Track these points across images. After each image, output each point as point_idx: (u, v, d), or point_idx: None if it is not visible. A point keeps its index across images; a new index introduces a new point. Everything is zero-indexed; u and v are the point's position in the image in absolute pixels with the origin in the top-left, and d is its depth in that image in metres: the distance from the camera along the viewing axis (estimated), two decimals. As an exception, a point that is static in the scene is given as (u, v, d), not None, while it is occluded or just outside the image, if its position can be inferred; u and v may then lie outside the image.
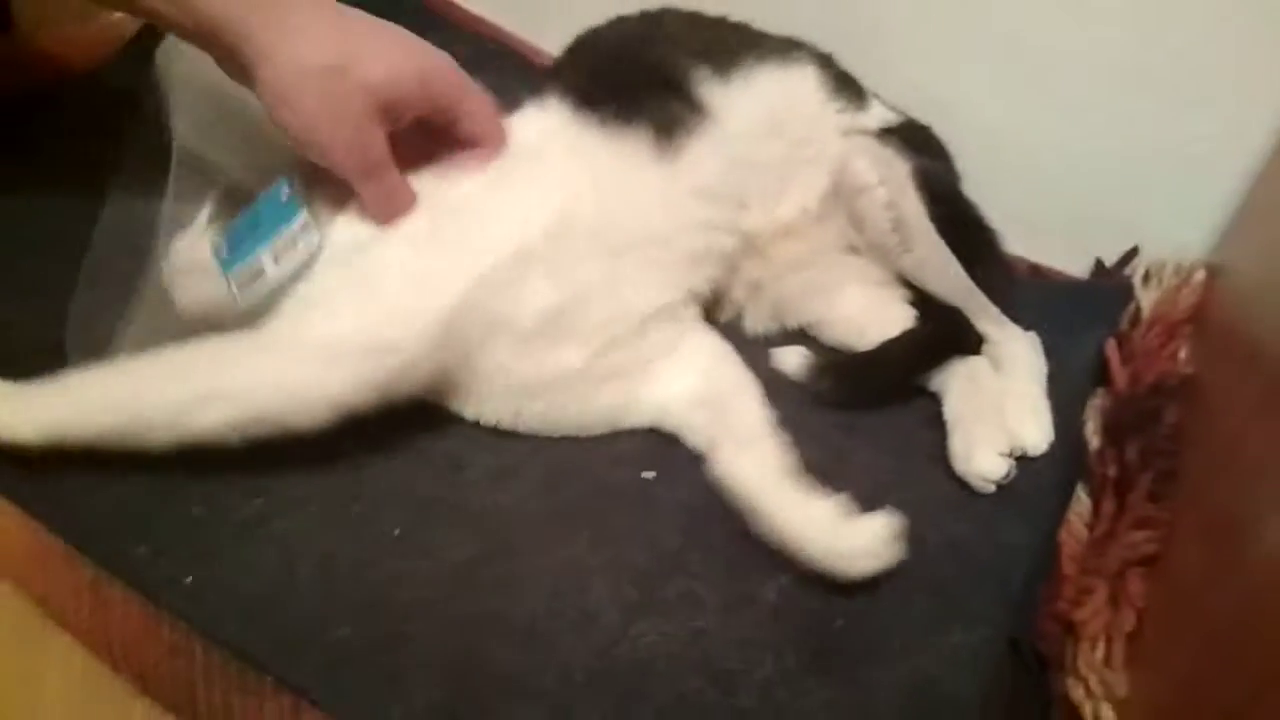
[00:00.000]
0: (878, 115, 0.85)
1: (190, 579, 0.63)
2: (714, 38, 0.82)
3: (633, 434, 0.77)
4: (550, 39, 1.11)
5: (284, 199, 0.70)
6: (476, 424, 0.76)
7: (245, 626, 0.62)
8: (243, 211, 0.72)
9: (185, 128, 0.71)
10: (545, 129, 0.76)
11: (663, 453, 0.76)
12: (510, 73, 1.06)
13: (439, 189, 0.72)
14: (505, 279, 0.70)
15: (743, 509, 0.69)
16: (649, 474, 0.74)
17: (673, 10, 0.85)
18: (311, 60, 0.63)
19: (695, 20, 0.84)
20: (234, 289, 0.70)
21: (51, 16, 0.94)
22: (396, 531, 0.68)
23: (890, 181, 0.79)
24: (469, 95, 0.71)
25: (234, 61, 0.66)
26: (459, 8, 1.13)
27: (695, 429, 0.74)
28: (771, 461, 0.70)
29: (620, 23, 0.84)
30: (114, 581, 0.63)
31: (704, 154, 0.76)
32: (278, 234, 0.69)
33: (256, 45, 0.63)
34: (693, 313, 0.80)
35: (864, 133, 0.82)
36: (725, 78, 0.79)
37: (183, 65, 0.72)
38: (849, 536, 0.66)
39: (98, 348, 0.69)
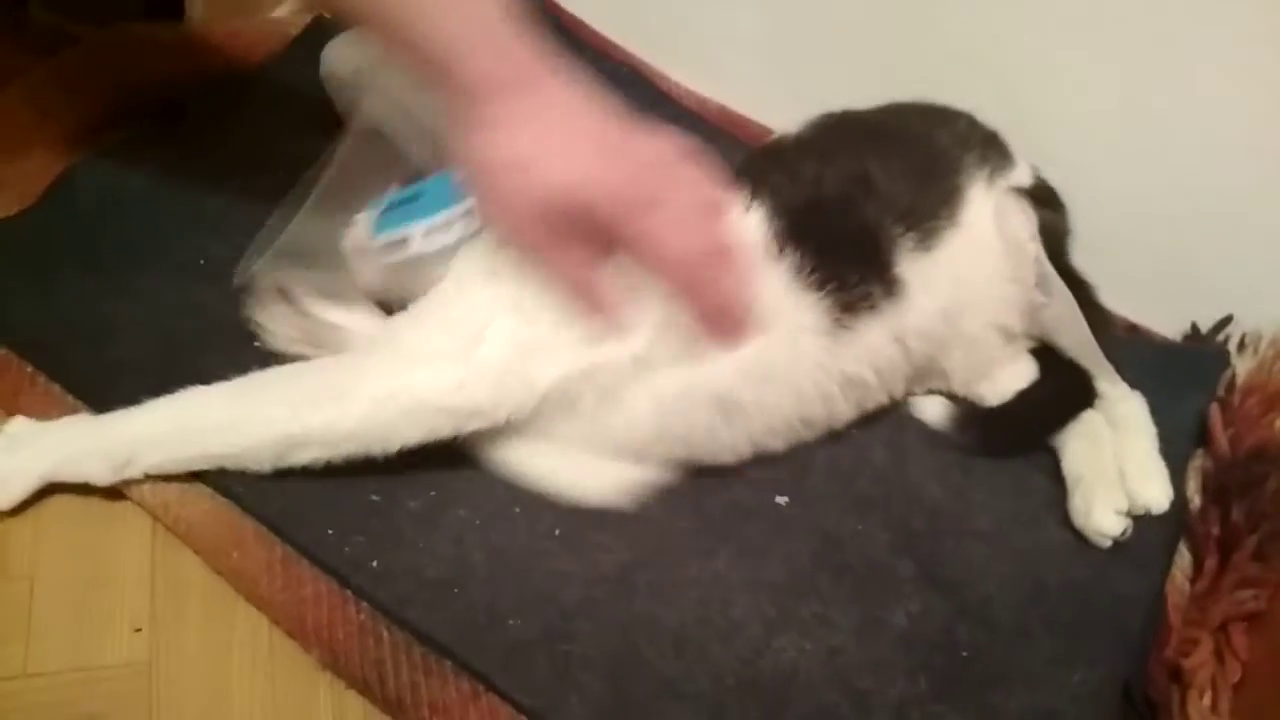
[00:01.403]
0: (1021, 173, 0.87)
1: (376, 563, 0.67)
2: (913, 186, 0.79)
3: (766, 459, 0.80)
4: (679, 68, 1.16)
5: (452, 186, 0.72)
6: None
7: (428, 612, 0.66)
8: (407, 187, 0.75)
9: (379, 107, 0.75)
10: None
11: (795, 480, 0.80)
12: (639, 98, 1.10)
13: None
14: (610, 379, 0.71)
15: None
16: (782, 499, 0.79)
17: (874, 139, 0.83)
18: (500, 155, 0.65)
19: (887, 148, 0.81)
20: (378, 250, 0.74)
21: (221, 9, 0.98)
22: (557, 531, 0.73)
23: (1035, 236, 0.82)
24: (645, 247, 0.66)
25: None
26: (589, 28, 1.17)
27: None
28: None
29: (825, 147, 0.82)
30: (304, 561, 0.67)
31: (876, 339, 0.77)
32: (436, 215, 0.73)
33: (462, 124, 0.65)
34: None
35: (1012, 190, 0.85)
36: (925, 247, 0.78)
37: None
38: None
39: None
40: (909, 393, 0.87)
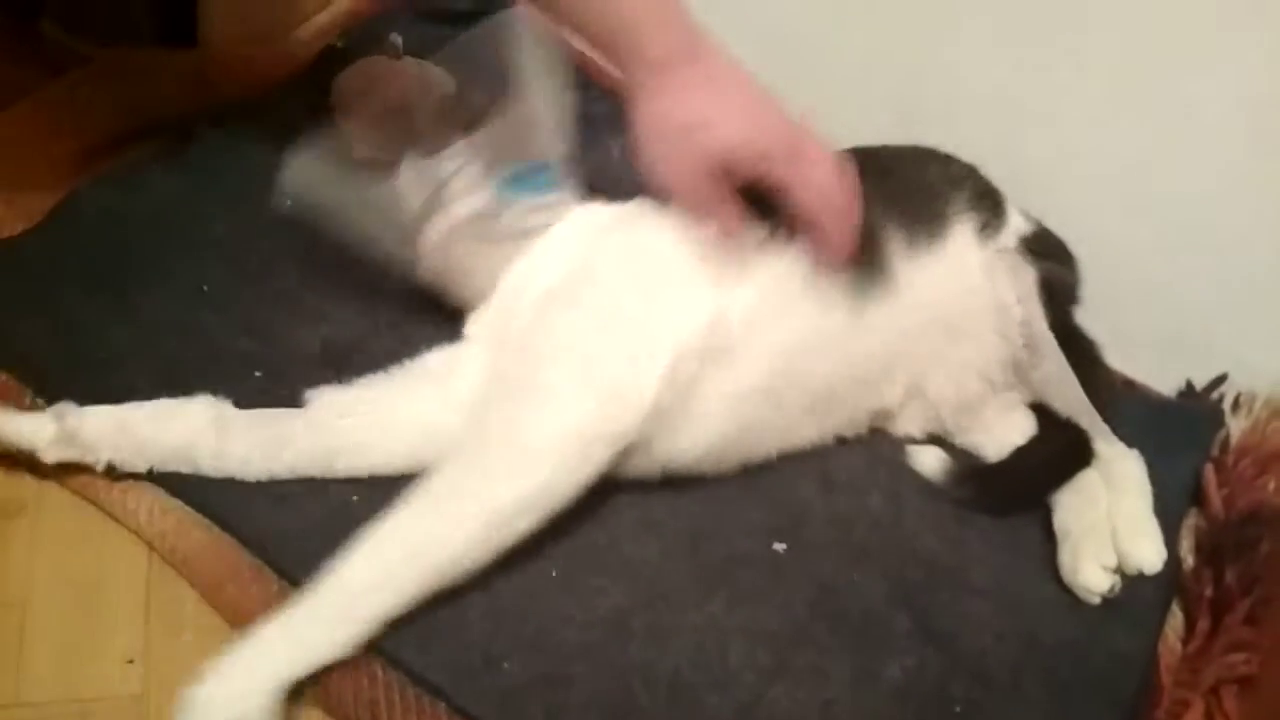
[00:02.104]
0: (1015, 228, 0.88)
1: (371, 599, 0.67)
2: (898, 199, 0.84)
3: (764, 505, 0.81)
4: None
5: (552, 176, 0.80)
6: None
7: (424, 652, 0.66)
8: (521, 168, 0.80)
9: (533, 91, 0.78)
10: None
11: (793, 528, 0.80)
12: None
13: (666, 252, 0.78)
14: (688, 376, 0.74)
15: None
16: (780, 546, 0.78)
17: (867, 162, 0.85)
18: (670, 118, 0.74)
19: (876, 167, 0.85)
20: (490, 216, 0.79)
21: (235, 37, 0.98)
22: (554, 573, 0.72)
23: (1025, 297, 0.83)
24: (795, 187, 0.75)
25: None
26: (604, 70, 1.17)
27: None
28: None
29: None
30: (300, 596, 0.67)
31: (877, 322, 0.81)
32: (535, 196, 0.80)
33: (639, 93, 0.75)
34: None
35: (1003, 249, 0.86)
36: (909, 253, 0.82)
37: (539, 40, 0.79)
38: None
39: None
40: (904, 427, 0.88)
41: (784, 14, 1.12)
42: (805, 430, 0.83)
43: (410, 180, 0.77)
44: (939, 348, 0.85)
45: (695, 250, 0.77)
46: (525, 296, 0.78)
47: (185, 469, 0.72)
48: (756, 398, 0.78)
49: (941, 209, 0.85)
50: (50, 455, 0.70)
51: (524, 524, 0.69)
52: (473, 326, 0.81)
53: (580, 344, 0.74)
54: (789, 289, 0.78)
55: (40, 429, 0.70)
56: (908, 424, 0.88)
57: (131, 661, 0.65)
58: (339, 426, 0.75)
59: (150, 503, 0.71)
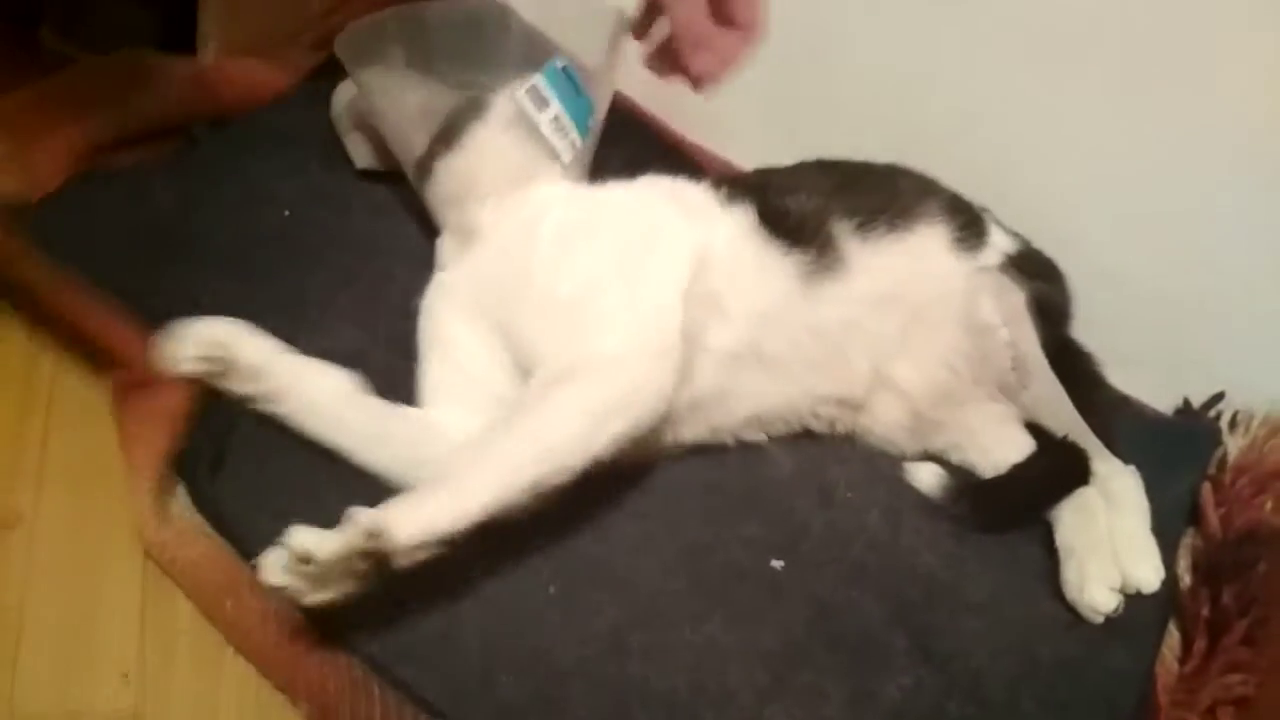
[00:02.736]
0: (998, 247, 0.90)
1: (370, 615, 0.66)
2: (857, 194, 0.87)
3: (762, 520, 0.81)
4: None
5: (585, 107, 0.86)
6: (616, 492, 0.79)
7: (422, 669, 0.66)
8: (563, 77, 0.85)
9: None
10: (729, 226, 0.84)
11: (791, 543, 0.80)
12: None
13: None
14: (695, 317, 0.78)
15: None
16: (778, 563, 0.78)
17: (829, 166, 0.92)
18: None
19: (841, 172, 0.90)
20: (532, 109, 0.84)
21: (234, 45, 0.98)
22: (552, 589, 0.72)
23: (1011, 319, 0.84)
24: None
25: None
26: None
27: None
28: None
29: (797, 168, 0.92)
30: (298, 613, 0.66)
31: (837, 294, 0.83)
32: (566, 110, 0.84)
33: None
34: None
35: (985, 269, 0.87)
36: (863, 237, 0.85)
37: None
38: None
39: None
40: (885, 429, 0.89)
41: (783, 28, 1.12)
42: (770, 400, 0.84)
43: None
44: (898, 333, 0.86)
45: (675, 194, 0.84)
46: (539, 234, 0.80)
47: (310, 424, 0.74)
48: (728, 358, 0.81)
49: (906, 207, 0.88)
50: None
51: (619, 425, 0.71)
52: (451, 273, 0.84)
53: (612, 273, 0.78)
54: (747, 246, 0.82)
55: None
56: (887, 422, 0.89)
57: (126, 676, 0.64)
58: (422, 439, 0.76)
59: (153, 512, 0.70)
